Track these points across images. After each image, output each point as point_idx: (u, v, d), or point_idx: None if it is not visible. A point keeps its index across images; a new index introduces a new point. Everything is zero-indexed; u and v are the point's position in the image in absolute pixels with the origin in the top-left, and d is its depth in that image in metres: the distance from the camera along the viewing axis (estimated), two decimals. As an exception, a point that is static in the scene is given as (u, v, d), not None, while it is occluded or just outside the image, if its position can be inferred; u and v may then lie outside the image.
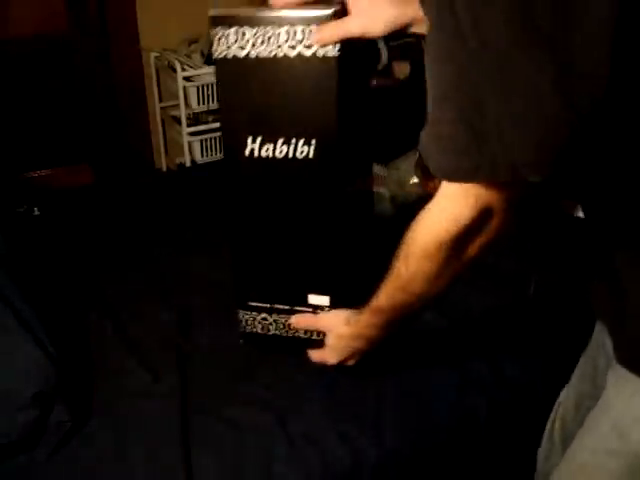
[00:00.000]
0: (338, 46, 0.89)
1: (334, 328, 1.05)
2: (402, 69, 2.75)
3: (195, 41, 2.59)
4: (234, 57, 0.94)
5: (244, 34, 0.93)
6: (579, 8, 0.54)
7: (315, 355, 1.09)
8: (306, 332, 1.09)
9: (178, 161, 2.84)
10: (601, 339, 0.94)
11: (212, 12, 0.94)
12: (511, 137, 0.60)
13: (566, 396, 1.05)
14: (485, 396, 1.16)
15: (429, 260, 0.83)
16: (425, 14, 0.65)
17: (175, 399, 1.12)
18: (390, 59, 2.70)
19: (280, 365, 1.16)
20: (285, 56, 0.92)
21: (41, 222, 1.70)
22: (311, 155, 0.96)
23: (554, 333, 1.30)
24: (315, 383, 1.16)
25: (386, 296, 0.94)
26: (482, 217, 0.74)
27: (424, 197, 1.95)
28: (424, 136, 0.67)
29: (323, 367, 1.11)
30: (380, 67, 2.70)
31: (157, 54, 2.68)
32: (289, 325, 1.10)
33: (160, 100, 2.82)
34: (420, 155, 1.82)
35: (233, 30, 0.93)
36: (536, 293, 1.37)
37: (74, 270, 1.49)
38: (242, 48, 0.93)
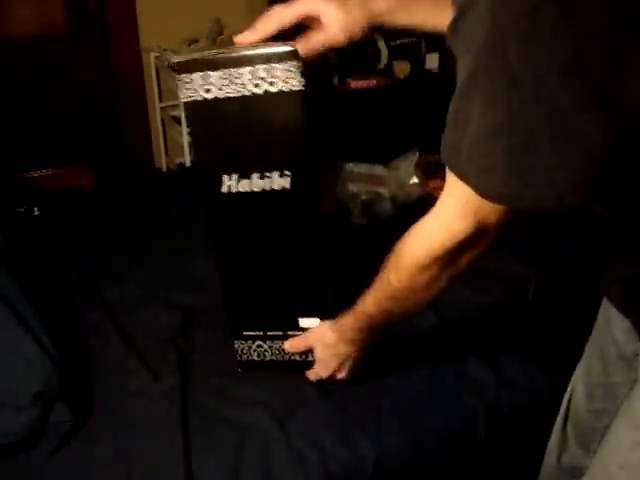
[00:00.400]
0: (302, 80, 0.92)
1: (320, 339, 1.06)
2: (402, 69, 2.75)
3: (195, 41, 2.59)
4: (203, 99, 0.97)
5: (209, 77, 0.95)
6: (631, 58, 0.58)
7: (310, 374, 1.10)
8: (301, 355, 1.11)
9: (178, 161, 2.84)
10: (610, 332, 0.94)
11: (176, 59, 0.99)
12: (557, 171, 0.63)
13: (574, 389, 1.05)
14: (485, 397, 1.16)
15: (421, 273, 0.85)
16: (458, 52, 0.66)
17: (175, 399, 1.12)
18: (390, 59, 2.70)
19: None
20: (252, 94, 0.94)
21: (41, 222, 1.70)
22: (288, 186, 0.99)
23: (554, 334, 1.30)
24: (314, 385, 1.16)
25: (374, 303, 0.95)
26: (478, 233, 0.77)
27: (424, 197, 1.95)
28: (465, 156, 0.68)
29: (323, 385, 1.12)
30: (380, 67, 2.70)
31: (157, 54, 2.69)
32: (284, 350, 1.12)
33: (160, 100, 2.82)
34: (419, 154, 1.80)
35: (198, 75, 0.95)
36: (536, 294, 1.37)
37: (74, 270, 1.49)
38: (208, 91, 0.96)
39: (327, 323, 1.06)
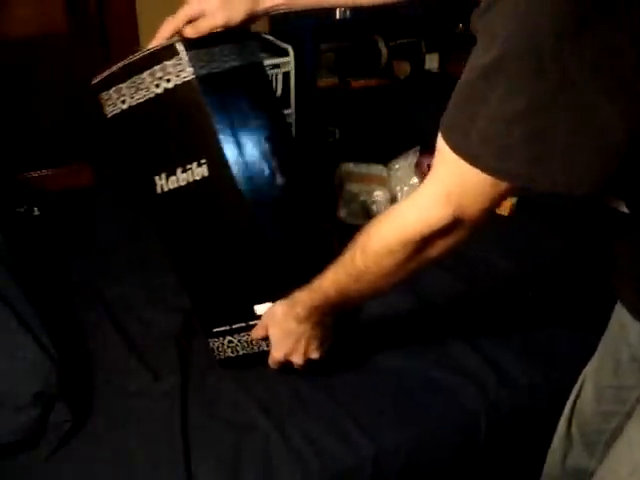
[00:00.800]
0: (192, 69, 0.99)
1: (271, 318, 1.04)
2: (402, 69, 2.75)
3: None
4: (121, 111, 1.06)
5: (121, 89, 1.05)
6: None
7: (269, 360, 1.08)
8: (268, 343, 1.10)
9: (178, 161, 2.84)
10: (624, 334, 0.93)
11: (93, 81, 1.09)
12: (575, 160, 0.64)
13: (582, 389, 1.04)
14: (485, 396, 1.16)
15: (389, 256, 0.84)
16: (482, 35, 0.67)
17: (175, 399, 1.12)
18: (390, 59, 2.70)
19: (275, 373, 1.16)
20: (155, 95, 1.02)
21: (41, 222, 1.70)
22: (206, 173, 1.03)
23: (554, 334, 1.30)
24: (314, 383, 1.16)
25: (333, 282, 0.94)
26: (454, 224, 0.77)
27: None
28: (478, 137, 0.68)
29: (285, 372, 1.10)
30: (380, 67, 2.70)
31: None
32: (252, 341, 1.12)
33: (160, 100, 2.82)
34: (419, 154, 1.81)
35: (113, 90, 1.05)
36: (536, 293, 1.38)
37: (74, 270, 1.49)
38: (124, 102, 1.05)
39: (279, 301, 1.03)
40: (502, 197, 0.73)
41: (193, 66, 1.00)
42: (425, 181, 0.79)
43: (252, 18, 1.05)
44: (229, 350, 1.15)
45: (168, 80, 1.01)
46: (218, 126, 1.01)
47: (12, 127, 2.61)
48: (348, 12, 2.55)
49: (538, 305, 1.36)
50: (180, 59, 0.99)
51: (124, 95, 1.04)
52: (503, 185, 0.70)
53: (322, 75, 2.56)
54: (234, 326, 1.12)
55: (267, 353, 1.10)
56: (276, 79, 2.35)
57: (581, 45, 0.59)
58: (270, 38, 2.43)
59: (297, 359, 1.05)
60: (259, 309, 1.09)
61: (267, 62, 2.33)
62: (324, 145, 2.40)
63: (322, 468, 1.03)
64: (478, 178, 0.70)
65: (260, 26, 2.51)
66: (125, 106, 1.05)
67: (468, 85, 0.68)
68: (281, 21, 2.49)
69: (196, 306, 1.17)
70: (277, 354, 1.05)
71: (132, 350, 1.24)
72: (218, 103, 1.03)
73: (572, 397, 1.06)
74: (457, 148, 0.70)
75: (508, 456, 1.20)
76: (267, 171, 1.10)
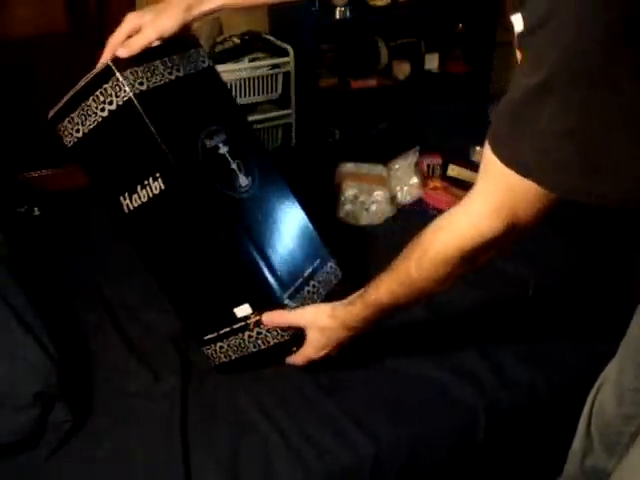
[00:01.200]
0: (128, 89, 1.02)
1: (315, 322, 1.06)
2: (402, 69, 2.75)
3: (195, 41, 2.59)
4: (78, 139, 1.09)
5: (72, 119, 1.08)
6: None
7: (297, 358, 1.10)
8: (264, 342, 1.12)
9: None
10: None
11: (49, 115, 1.11)
12: (627, 173, 0.66)
13: (602, 391, 1.04)
14: (485, 396, 1.16)
15: (445, 265, 0.87)
16: (530, 57, 0.68)
17: (175, 399, 1.12)
18: (390, 59, 2.70)
19: (279, 365, 1.16)
20: (103, 119, 1.05)
21: (41, 222, 1.70)
22: (163, 187, 1.05)
23: (554, 334, 1.30)
24: (313, 383, 1.16)
25: (388, 292, 0.96)
26: (507, 233, 0.79)
27: (424, 197, 1.95)
28: (530, 151, 0.69)
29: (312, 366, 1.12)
30: (380, 67, 2.70)
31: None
32: (241, 345, 1.14)
33: (160, 100, 2.82)
34: (419, 154, 1.80)
35: (67, 120, 1.09)
36: (536, 293, 1.37)
37: (74, 270, 1.49)
38: (78, 130, 1.08)
39: (326, 307, 1.06)
40: (553, 205, 0.75)
41: (130, 84, 1.03)
42: (473, 194, 0.82)
43: (187, 26, 1.08)
44: (222, 356, 1.16)
45: (110, 102, 1.04)
46: (169, 137, 1.04)
47: (12, 127, 2.61)
48: (348, 12, 2.55)
49: (538, 305, 1.36)
50: (117, 79, 1.03)
51: (77, 124, 1.08)
52: (554, 195, 0.73)
53: (322, 75, 2.56)
54: (221, 332, 1.14)
55: (262, 353, 1.12)
56: (276, 79, 2.35)
57: (630, 57, 0.60)
58: (270, 38, 2.43)
59: (333, 354, 1.09)
60: (239, 311, 1.11)
61: (267, 62, 2.33)
62: (324, 145, 2.40)
63: (322, 468, 1.03)
64: (529, 190, 0.72)
65: (260, 26, 2.51)
66: (80, 134, 1.08)
67: (518, 103, 0.69)
68: (281, 21, 2.50)
69: (182, 317, 1.19)
70: (315, 355, 1.09)
71: (132, 350, 1.24)
72: (165, 115, 1.06)
73: (590, 398, 1.06)
74: (510, 162, 0.72)
75: (507, 456, 1.20)
76: (228, 174, 1.12)
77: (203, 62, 1.20)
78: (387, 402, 1.14)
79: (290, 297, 1.11)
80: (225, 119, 1.17)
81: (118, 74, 1.03)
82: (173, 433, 1.06)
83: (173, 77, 1.11)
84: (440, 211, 1.71)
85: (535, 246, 1.56)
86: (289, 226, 1.20)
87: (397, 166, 1.81)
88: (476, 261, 0.86)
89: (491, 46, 2.86)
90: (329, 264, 1.23)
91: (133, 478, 1.01)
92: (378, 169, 1.81)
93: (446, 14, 2.85)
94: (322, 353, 1.08)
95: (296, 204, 1.24)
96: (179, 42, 1.13)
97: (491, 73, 2.89)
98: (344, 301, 1.04)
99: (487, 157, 0.75)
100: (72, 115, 1.08)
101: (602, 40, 0.61)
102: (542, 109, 0.66)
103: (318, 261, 1.21)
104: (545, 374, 1.21)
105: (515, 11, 0.68)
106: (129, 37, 1.06)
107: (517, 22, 0.68)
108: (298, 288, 1.13)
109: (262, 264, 1.09)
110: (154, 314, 1.34)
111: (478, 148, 1.97)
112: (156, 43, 1.08)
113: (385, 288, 0.96)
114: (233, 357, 1.16)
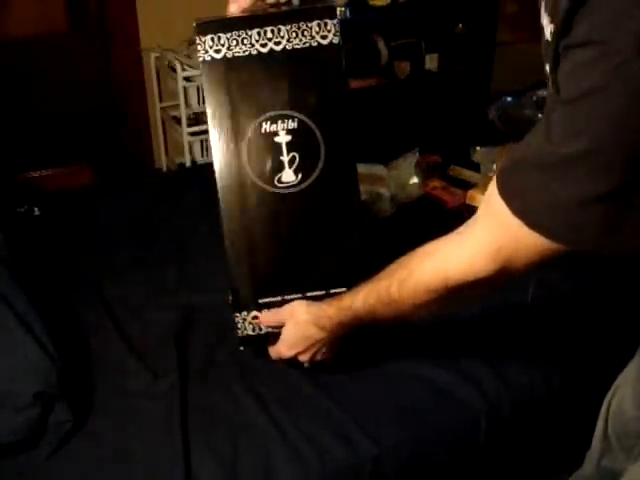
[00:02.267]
0: (201, 54, 1.07)
1: (292, 316, 1.05)
2: (402, 69, 2.75)
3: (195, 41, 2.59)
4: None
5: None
6: None
7: (271, 350, 1.09)
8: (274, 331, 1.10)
9: (178, 161, 2.84)
10: None
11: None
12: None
13: (618, 392, 1.03)
14: (485, 397, 1.16)
15: (427, 292, 0.85)
16: (563, 120, 0.65)
17: (174, 399, 1.12)
18: (390, 59, 2.71)
19: (279, 365, 1.16)
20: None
21: (41, 222, 1.70)
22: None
23: (554, 334, 1.30)
24: (313, 383, 1.16)
25: (365, 305, 0.95)
26: (500, 275, 0.76)
27: (424, 197, 1.95)
28: (545, 208, 0.68)
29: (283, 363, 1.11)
30: (380, 67, 2.71)
31: (157, 54, 2.69)
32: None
33: (160, 100, 2.82)
34: (419, 154, 1.79)
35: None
36: (535, 295, 1.37)
37: (74, 270, 1.49)
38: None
39: (304, 302, 1.05)
40: (554, 255, 0.73)
41: (204, 50, 1.07)
42: (471, 228, 0.79)
43: None
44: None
45: (201, 54, 1.07)
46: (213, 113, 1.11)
47: (12, 127, 2.61)
48: (348, 12, 2.55)
49: (538, 306, 1.36)
50: (200, 40, 1.07)
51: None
52: (562, 247, 0.70)
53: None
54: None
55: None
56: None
57: None
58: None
59: (304, 358, 1.07)
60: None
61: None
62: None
63: (322, 468, 1.03)
64: (535, 242, 0.70)
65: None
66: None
67: (543, 159, 0.67)
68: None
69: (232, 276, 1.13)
70: (286, 352, 1.06)
71: (132, 349, 1.24)
72: (224, 90, 1.10)
73: (607, 398, 1.05)
74: (520, 213, 0.70)
75: (508, 456, 1.20)
76: (272, 164, 1.12)
77: (324, 38, 1.09)
78: (387, 403, 1.14)
79: None
80: (308, 107, 1.10)
81: (197, 36, 1.06)
82: (173, 433, 1.06)
83: (265, 49, 1.07)
84: (440, 211, 1.73)
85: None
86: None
87: (397, 166, 1.81)
88: (461, 294, 0.83)
89: (491, 46, 2.87)
90: None
91: (133, 478, 1.01)
92: (378, 169, 1.80)
93: (446, 14, 2.85)
94: (294, 351, 1.05)
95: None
96: (310, 10, 1.08)
97: (491, 73, 2.90)
98: (324, 302, 1.03)
99: (493, 195, 0.73)
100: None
101: None
102: (571, 175, 0.64)
103: None
104: (545, 376, 1.21)
105: (549, 17, 0.65)
106: None
107: (547, 28, 0.66)
108: None
109: None
110: (154, 313, 1.34)
111: (478, 148, 1.97)
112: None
113: (362, 298, 0.95)
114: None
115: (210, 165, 1.13)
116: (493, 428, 1.14)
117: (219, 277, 1.21)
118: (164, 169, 2.92)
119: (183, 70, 2.47)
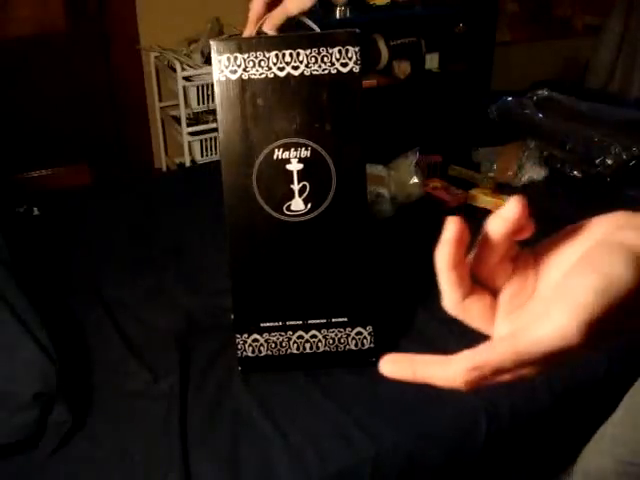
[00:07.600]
0: (216, 73, 1.04)
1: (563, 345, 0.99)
2: (402, 69, 2.76)
3: (195, 41, 2.59)
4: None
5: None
6: None
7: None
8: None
9: (178, 161, 2.84)
10: None
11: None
12: None
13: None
14: (485, 397, 1.16)
15: None
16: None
17: (174, 399, 1.12)
18: (390, 59, 2.71)
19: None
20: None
21: (41, 222, 1.70)
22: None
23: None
24: (313, 383, 1.16)
25: None
26: None
27: (424, 197, 1.95)
28: None
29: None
30: (380, 67, 2.71)
31: (157, 54, 2.69)
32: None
33: (160, 100, 2.82)
34: (419, 154, 1.79)
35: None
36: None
37: (73, 270, 1.49)
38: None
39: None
40: None
41: (220, 70, 1.04)
42: None
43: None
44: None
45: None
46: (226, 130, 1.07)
47: (12, 127, 2.61)
48: (348, 12, 2.55)
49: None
50: (216, 58, 1.04)
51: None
52: None
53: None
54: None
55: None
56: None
57: None
58: (270, 38, 2.42)
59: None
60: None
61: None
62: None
63: (322, 468, 1.03)
64: None
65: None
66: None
67: None
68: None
69: (241, 297, 1.15)
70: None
71: (131, 350, 1.24)
72: (237, 112, 1.08)
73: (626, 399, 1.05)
74: None
75: (508, 456, 1.20)
76: (282, 193, 1.12)
77: (344, 66, 1.06)
78: (388, 404, 1.14)
79: None
80: (322, 137, 1.08)
81: (214, 54, 1.04)
82: (173, 433, 1.06)
83: (283, 73, 1.05)
84: (440, 211, 1.73)
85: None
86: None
87: (397, 166, 1.81)
88: None
89: (491, 46, 2.87)
90: None
91: (133, 478, 1.01)
92: (378, 169, 1.80)
93: (446, 14, 2.85)
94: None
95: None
96: (332, 35, 1.05)
97: (491, 73, 2.90)
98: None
99: None
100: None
101: None
102: None
103: None
104: (545, 377, 1.21)
105: None
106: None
107: None
108: None
109: None
110: (154, 314, 1.34)
111: (479, 148, 1.98)
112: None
113: None
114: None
115: (210, 164, 1.13)
116: (493, 430, 1.14)
117: (219, 277, 1.21)
118: (164, 169, 2.92)
119: (183, 70, 2.47)
